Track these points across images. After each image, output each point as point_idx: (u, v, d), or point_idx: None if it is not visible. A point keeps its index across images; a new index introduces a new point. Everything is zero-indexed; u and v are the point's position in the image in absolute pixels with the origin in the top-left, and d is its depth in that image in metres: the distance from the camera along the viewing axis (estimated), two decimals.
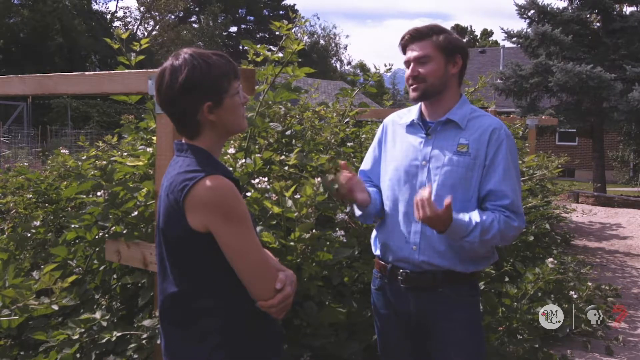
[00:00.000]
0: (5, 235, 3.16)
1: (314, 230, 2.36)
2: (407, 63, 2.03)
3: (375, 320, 2.19)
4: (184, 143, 1.55)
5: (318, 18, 79.76)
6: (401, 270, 2.02)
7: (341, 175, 2.01)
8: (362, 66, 52.25)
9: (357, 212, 2.13)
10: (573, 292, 4.06)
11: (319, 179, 2.45)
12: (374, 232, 2.20)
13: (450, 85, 2.02)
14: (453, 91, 2.03)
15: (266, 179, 2.51)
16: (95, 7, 34.78)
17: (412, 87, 2.01)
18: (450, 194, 1.93)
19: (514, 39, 14.43)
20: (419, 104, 2.10)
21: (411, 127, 2.08)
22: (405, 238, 2.01)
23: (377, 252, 2.13)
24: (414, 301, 2.02)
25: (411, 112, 2.12)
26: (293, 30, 2.84)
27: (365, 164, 2.24)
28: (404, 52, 2.04)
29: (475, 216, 1.90)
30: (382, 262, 2.10)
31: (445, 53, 1.98)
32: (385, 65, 3.96)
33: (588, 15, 13.62)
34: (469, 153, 1.95)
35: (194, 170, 1.46)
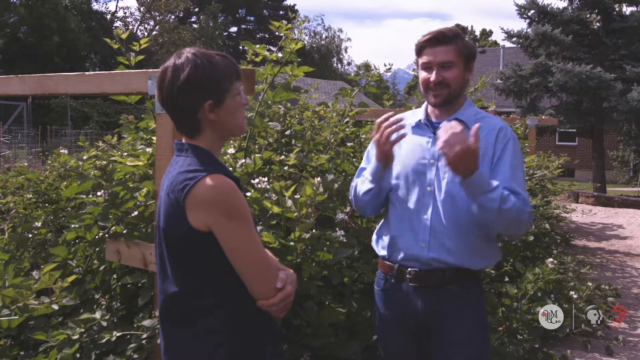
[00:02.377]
0: (6, 236, 3.16)
1: (314, 230, 2.36)
2: (427, 65, 2.00)
3: (378, 322, 2.17)
4: (184, 143, 1.56)
5: (322, 20, 79.43)
6: (409, 269, 2.02)
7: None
8: (367, 66, 52.13)
9: (369, 188, 2.03)
10: (573, 292, 4.06)
11: (319, 178, 2.45)
12: (376, 234, 2.19)
13: (464, 89, 2.05)
14: (462, 94, 2.06)
15: (266, 179, 2.51)
16: (95, 7, 34.80)
17: (434, 92, 1.99)
18: (460, 191, 1.91)
19: (514, 39, 14.43)
20: (424, 105, 2.11)
21: (417, 128, 2.09)
22: (415, 236, 2.00)
23: (383, 253, 2.12)
24: (422, 300, 2.01)
25: (416, 114, 2.13)
26: (293, 30, 2.84)
27: (365, 162, 2.23)
28: (420, 53, 2.02)
29: (495, 182, 1.87)
30: (389, 263, 2.09)
31: (465, 60, 2.00)
32: (385, 65, 3.96)
33: (588, 16, 13.62)
34: None
35: (195, 169, 1.46)
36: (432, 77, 1.98)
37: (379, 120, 1.94)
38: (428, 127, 2.06)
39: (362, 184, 2.10)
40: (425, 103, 2.11)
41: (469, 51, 2.00)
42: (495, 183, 1.86)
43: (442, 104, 2.01)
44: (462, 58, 1.98)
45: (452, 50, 1.97)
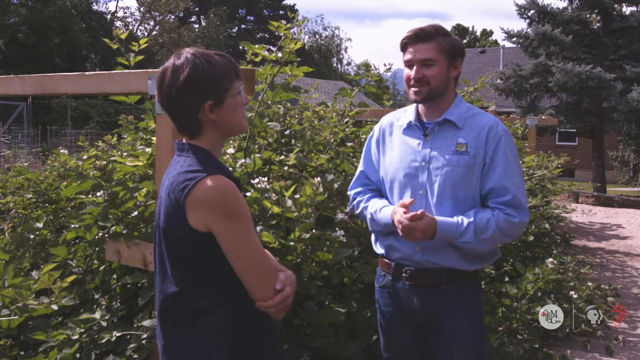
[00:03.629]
0: (7, 236, 3.16)
1: (314, 230, 2.36)
2: (408, 63, 2.01)
3: (379, 318, 2.19)
4: (185, 143, 1.56)
5: (322, 19, 79.05)
6: (405, 268, 2.03)
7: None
8: (366, 66, 52.04)
9: (380, 230, 2.11)
10: (573, 292, 4.05)
11: (319, 178, 2.45)
12: (375, 234, 2.20)
13: (450, 87, 2.03)
14: (451, 92, 2.05)
15: (266, 179, 2.51)
16: (95, 7, 34.75)
17: (414, 89, 2.00)
18: (452, 194, 1.94)
19: (514, 39, 14.44)
20: (415, 105, 2.10)
21: (408, 129, 2.08)
22: None
23: (382, 251, 2.14)
24: (418, 299, 2.02)
25: (407, 114, 2.12)
26: (292, 30, 2.84)
27: (363, 165, 2.23)
28: (404, 50, 2.03)
29: (468, 216, 1.92)
30: (387, 260, 2.11)
31: (448, 57, 1.98)
32: (385, 65, 3.96)
33: (588, 15, 13.62)
34: (467, 152, 1.96)
35: (195, 170, 1.46)
36: (412, 74, 1.98)
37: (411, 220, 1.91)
38: (418, 128, 2.06)
39: (371, 221, 2.10)
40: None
41: (453, 48, 1.98)
42: (465, 223, 1.90)
43: (422, 100, 2.01)
44: (444, 55, 1.97)
45: (433, 47, 1.96)
